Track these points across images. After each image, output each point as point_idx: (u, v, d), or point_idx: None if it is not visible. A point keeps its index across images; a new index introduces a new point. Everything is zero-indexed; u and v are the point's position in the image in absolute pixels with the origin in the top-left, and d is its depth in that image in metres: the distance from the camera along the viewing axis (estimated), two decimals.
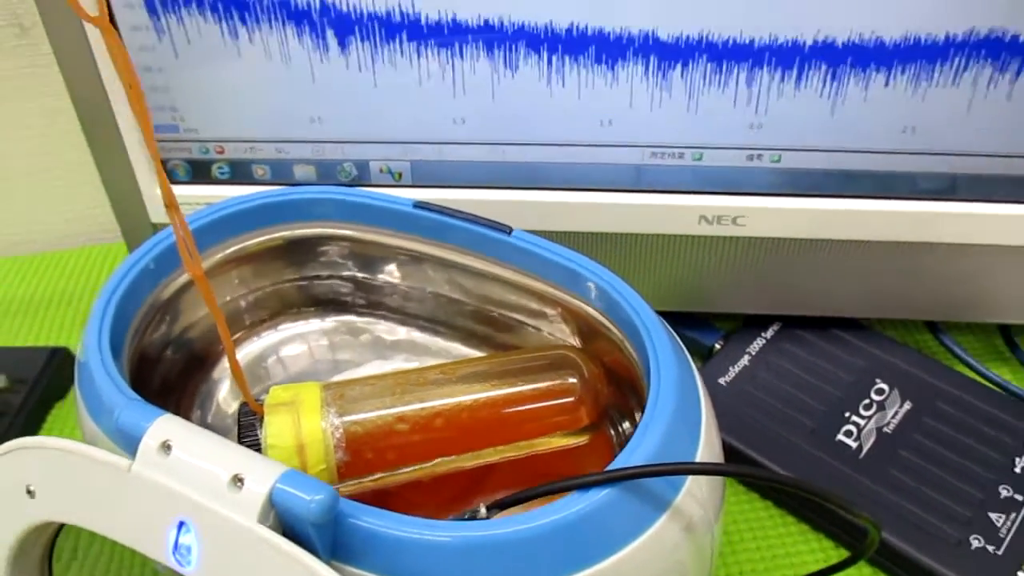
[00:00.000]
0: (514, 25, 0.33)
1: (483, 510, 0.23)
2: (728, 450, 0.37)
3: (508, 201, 0.38)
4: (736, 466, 0.26)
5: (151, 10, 0.34)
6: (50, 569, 0.27)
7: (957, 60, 0.33)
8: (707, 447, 0.25)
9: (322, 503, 0.21)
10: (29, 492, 0.24)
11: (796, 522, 0.36)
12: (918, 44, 0.33)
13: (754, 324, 0.42)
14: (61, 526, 0.26)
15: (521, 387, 0.29)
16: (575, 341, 0.31)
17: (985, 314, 0.41)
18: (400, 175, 0.38)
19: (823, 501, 0.24)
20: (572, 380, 0.30)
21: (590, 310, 0.29)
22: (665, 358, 0.26)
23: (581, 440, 0.29)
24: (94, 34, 0.35)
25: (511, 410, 0.29)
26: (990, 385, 0.39)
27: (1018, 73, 0.33)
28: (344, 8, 0.33)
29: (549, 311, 0.31)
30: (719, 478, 0.26)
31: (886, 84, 0.34)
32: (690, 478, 0.24)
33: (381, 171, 0.38)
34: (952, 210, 0.37)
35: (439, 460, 0.28)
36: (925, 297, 0.40)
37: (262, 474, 0.21)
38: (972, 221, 0.37)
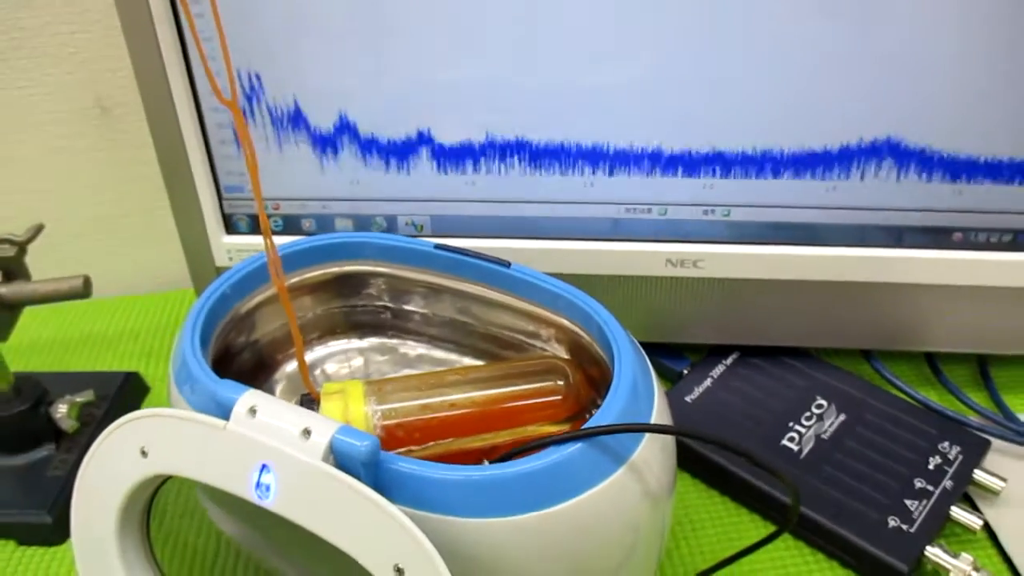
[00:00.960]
0: (519, 141, 0.43)
1: (486, 463, 0.31)
2: (692, 454, 0.44)
3: (510, 248, 0.46)
4: (670, 425, 0.32)
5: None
6: (148, 524, 0.35)
7: (858, 160, 0.42)
8: (656, 420, 0.33)
9: (370, 447, 0.28)
10: (143, 452, 0.32)
11: (748, 512, 0.43)
12: (823, 153, 0.42)
13: (716, 353, 0.50)
14: (160, 484, 0.34)
15: (519, 386, 0.37)
16: (563, 353, 0.39)
17: (912, 344, 0.49)
18: (422, 227, 0.47)
19: (746, 457, 0.31)
20: (559, 382, 0.37)
21: (570, 324, 0.37)
22: (625, 356, 0.33)
23: (564, 427, 0.37)
24: (183, 112, 0.44)
25: (511, 404, 0.37)
26: (912, 402, 0.47)
27: (894, 161, 0.42)
28: (381, 139, 0.43)
29: (542, 330, 0.40)
30: (668, 449, 0.34)
31: (799, 176, 0.43)
32: (642, 444, 0.32)
33: (406, 224, 0.47)
34: (876, 254, 0.45)
35: (453, 439, 0.36)
36: (860, 329, 0.48)
37: (325, 427, 0.29)
38: (893, 264, 0.45)
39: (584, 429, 0.30)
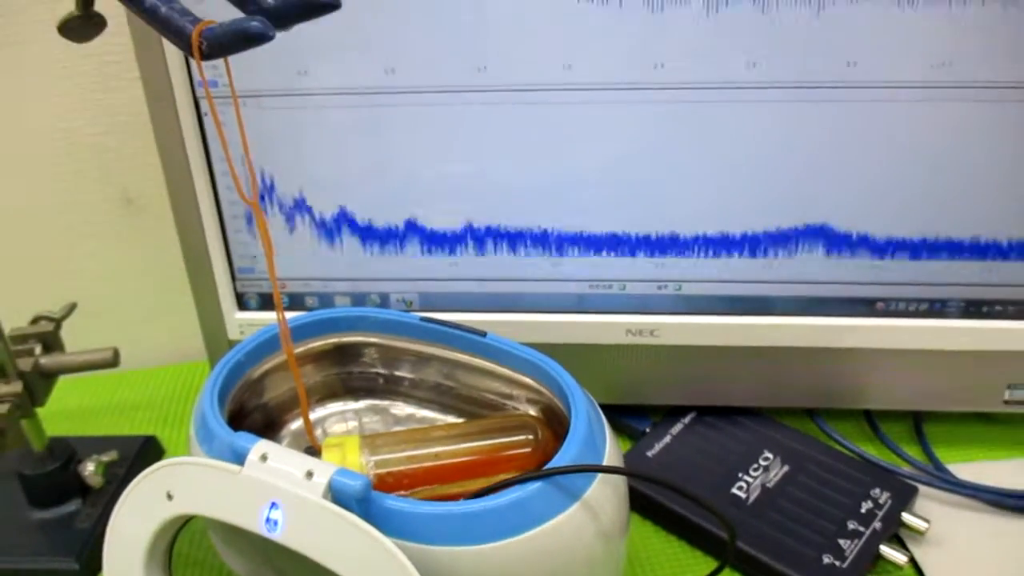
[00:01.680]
0: (495, 229, 0.50)
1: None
2: (651, 502, 0.50)
3: (489, 320, 0.52)
4: (613, 466, 0.37)
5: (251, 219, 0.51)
6: (170, 558, 0.40)
7: (792, 242, 0.49)
8: (606, 464, 0.39)
9: (362, 485, 0.34)
10: (169, 496, 0.38)
11: (703, 554, 0.48)
12: (762, 235, 0.49)
13: (675, 413, 0.56)
14: (182, 525, 0.39)
15: (493, 440, 0.43)
16: (533, 411, 0.45)
17: (851, 402, 0.55)
18: (411, 303, 0.54)
19: (681, 493, 0.37)
20: (529, 437, 0.43)
21: (537, 385, 0.43)
22: (580, 410, 0.39)
23: None
24: (204, 206, 0.51)
25: (486, 455, 0.43)
26: (850, 454, 0.52)
27: (822, 244, 0.49)
28: (376, 227, 0.50)
29: (515, 391, 0.45)
30: (620, 490, 0.39)
31: (741, 256, 0.50)
32: (594, 484, 0.37)
33: (398, 300, 0.53)
34: (812, 322, 0.51)
35: (436, 486, 0.41)
36: (803, 389, 0.54)
37: (325, 469, 0.35)
38: (827, 330, 0.51)
39: (542, 470, 0.36)
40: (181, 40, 0.30)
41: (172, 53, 0.46)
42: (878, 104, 0.45)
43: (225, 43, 0.29)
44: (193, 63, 0.47)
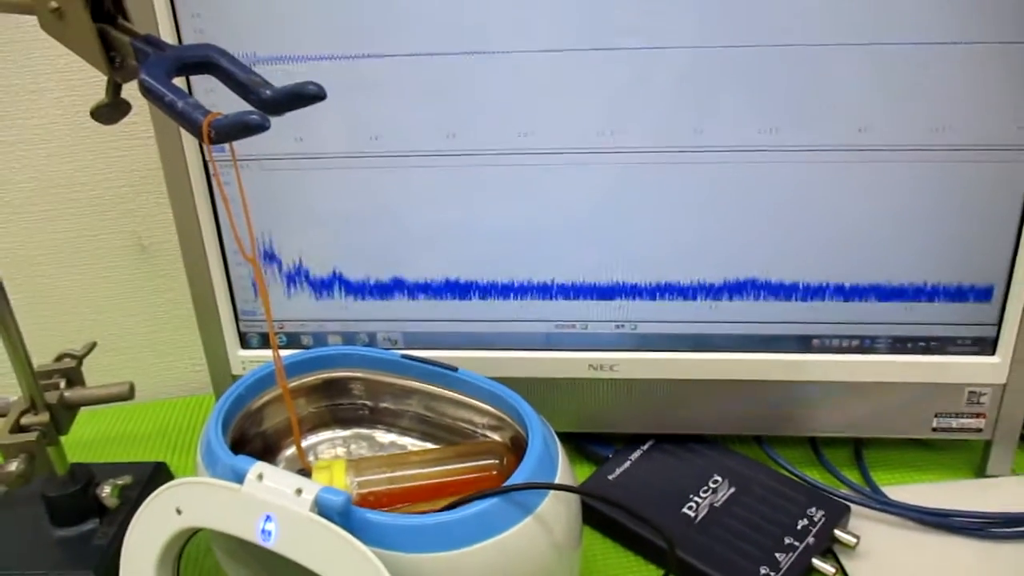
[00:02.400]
0: (470, 282, 0.56)
1: None
2: (607, 520, 0.55)
3: (465, 357, 0.58)
4: (561, 484, 0.43)
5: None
6: (178, 565, 0.46)
7: (733, 287, 0.55)
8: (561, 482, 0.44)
9: (344, 500, 0.40)
10: (178, 511, 0.43)
11: (656, 568, 0.54)
12: (708, 284, 0.55)
13: (636, 440, 0.61)
14: (190, 537, 0.45)
15: (463, 464, 0.49)
16: (499, 437, 0.51)
17: (794, 430, 0.60)
18: (396, 341, 0.60)
19: (630, 513, 0.42)
20: (494, 461, 0.49)
21: (501, 414, 0.49)
22: (536, 436, 0.45)
23: None
24: (212, 256, 0.57)
25: (456, 478, 0.48)
26: (792, 477, 0.58)
27: (762, 290, 0.55)
28: (365, 281, 0.56)
29: (483, 419, 0.51)
30: (572, 506, 0.45)
31: (690, 299, 0.56)
32: (546, 500, 0.43)
33: (384, 339, 0.60)
34: (755, 358, 0.57)
35: (412, 504, 0.47)
36: (751, 419, 0.60)
37: (312, 488, 0.41)
38: (768, 365, 0.57)
39: (499, 487, 0.42)
40: (194, 129, 0.36)
41: None
42: (800, 166, 0.52)
43: (230, 132, 0.35)
44: None
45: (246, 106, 0.38)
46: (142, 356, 0.77)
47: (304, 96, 0.38)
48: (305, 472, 0.47)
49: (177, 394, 0.76)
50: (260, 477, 0.42)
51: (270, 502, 0.41)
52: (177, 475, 0.64)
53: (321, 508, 0.40)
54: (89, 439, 0.69)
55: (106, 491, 0.57)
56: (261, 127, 0.35)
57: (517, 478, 0.43)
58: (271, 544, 0.41)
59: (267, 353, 0.60)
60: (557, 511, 0.43)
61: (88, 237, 0.73)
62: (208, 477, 0.45)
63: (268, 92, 0.38)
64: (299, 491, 0.41)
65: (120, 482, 0.58)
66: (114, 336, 0.76)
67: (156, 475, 0.62)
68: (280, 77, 0.51)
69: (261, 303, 0.59)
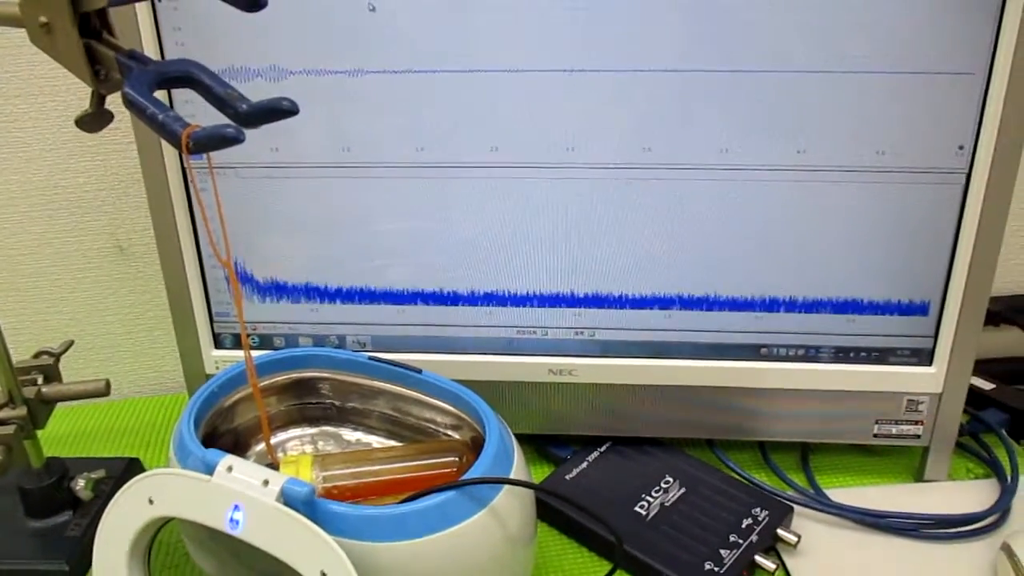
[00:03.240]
0: (435, 292, 0.59)
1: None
2: (565, 519, 0.58)
3: (431, 360, 0.61)
4: (509, 478, 0.46)
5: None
6: (149, 557, 0.48)
7: (684, 300, 0.58)
8: (516, 477, 0.47)
9: (308, 491, 0.42)
10: (150, 501, 0.46)
11: (607, 562, 0.57)
12: (661, 296, 0.58)
13: (593, 442, 0.64)
14: (161, 526, 0.47)
15: (424, 460, 0.51)
16: (459, 436, 0.54)
17: (745, 434, 0.63)
18: (365, 344, 0.62)
19: (581, 508, 0.45)
20: (455, 459, 0.51)
21: (462, 414, 0.52)
22: (493, 435, 0.48)
23: None
24: (188, 258, 0.59)
25: (417, 474, 0.51)
26: (740, 479, 0.61)
27: (714, 302, 0.58)
28: (334, 289, 0.59)
29: (445, 419, 0.54)
30: (526, 501, 0.48)
31: (647, 309, 0.59)
32: (501, 494, 0.45)
33: (353, 341, 0.62)
34: (707, 365, 0.60)
35: (375, 498, 0.50)
36: (703, 423, 0.63)
37: (278, 479, 0.43)
38: (720, 372, 0.60)
39: (455, 481, 0.44)
40: (174, 140, 0.38)
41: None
42: (749, 184, 0.55)
43: (207, 143, 0.38)
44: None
45: (223, 118, 0.40)
46: (119, 355, 0.79)
47: (278, 111, 0.40)
48: (274, 467, 0.49)
49: (151, 392, 0.78)
50: (230, 469, 0.44)
51: (238, 492, 0.43)
52: None
53: (287, 498, 0.43)
54: (65, 434, 0.71)
55: (80, 484, 0.59)
56: (236, 140, 0.37)
57: (474, 473, 0.45)
58: (238, 532, 0.43)
59: (239, 354, 0.62)
60: (511, 505, 0.46)
61: (67, 238, 0.75)
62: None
63: (244, 106, 0.41)
64: (266, 482, 0.43)
65: (94, 476, 0.60)
66: (92, 335, 0.78)
67: (129, 470, 0.64)
68: (258, 88, 0.54)
69: (235, 305, 0.61)
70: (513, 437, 0.50)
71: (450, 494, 0.44)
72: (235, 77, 0.54)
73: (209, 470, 0.44)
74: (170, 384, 0.79)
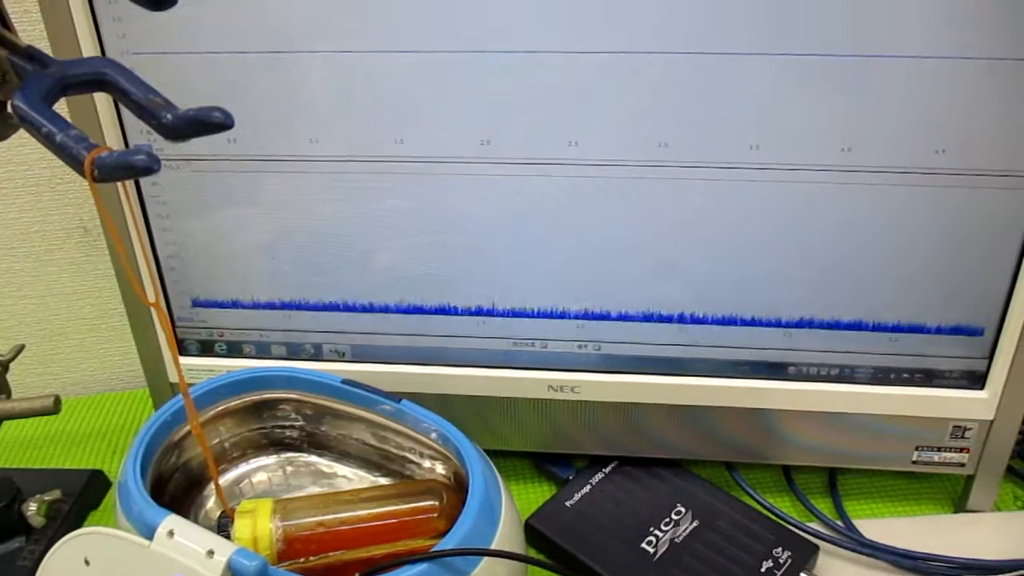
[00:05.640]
0: (417, 305, 0.52)
1: None
2: (561, 553, 0.52)
3: (418, 373, 0.55)
4: (491, 550, 0.40)
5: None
6: None
7: (696, 317, 0.51)
8: (502, 541, 0.41)
9: (257, 567, 0.36)
10: (86, 561, 0.40)
11: None
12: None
13: (598, 462, 0.58)
14: None
15: (399, 505, 0.45)
16: (444, 470, 0.47)
17: (766, 457, 0.57)
18: (344, 353, 0.56)
19: (568, 572, 0.39)
20: (435, 503, 0.45)
21: (445, 451, 0.45)
22: (477, 484, 0.41)
23: (435, 542, 0.45)
24: (142, 260, 0.52)
25: (392, 520, 0.45)
26: (761, 509, 0.55)
27: (734, 320, 0.51)
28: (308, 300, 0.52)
29: (426, 451, 0.48)
30: (514, 563, 0.42)
31: (658, 322, 0.52)
32: (484, 560, 0.39)
33: (331, 351, 0.56)
34: (727, 384, 0.53)
35: (343, 551, 0.44)
36: (720, 444, 0.56)
37: (224, 549, 0.37)
38: (741, 392, 0.53)
39: (429, 552, 0.38)
40: (75, 165, 0.31)
41: (103, 108, 0.48)
42: (784, 186, 0.47)
43: (114, 172, 0.31)
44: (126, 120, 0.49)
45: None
46: (88, 341, 0.74)
47: (208, 124, 0.33)
48: (226, 517, 0.44)
49: (125, 387, 0.73)
50: (171, 533, 0.38)
51: (180, 563, 0.38)
52: (115, 485, 0.61)
53: (234, 573, 0.37)
54: (19, 439, 0.65)
55: (32, 509, 0.53)
56: (149, 170, 0.30)
57: (454, 535, 0.39)
58: None
59: (206, 362, 0.56)
60: (495, 573, 0.40)
61: (28, 220, 0.68)
62: (124, 520, 0.42)
63: (168, 116, 0.34)
64: (211, 552, 0.37)
65: (48, 498, 0.54)
66: (60, 319, 0.72)
67: (91, 485, 0.59)
68: (210, 72, 0.46)
69: (198, 308, 0.55)
70: (501, 482, 0.44)
71: (422, 567, 0.38)
72: (187, 58, 0.46)
73: (150, 532, 0.39)
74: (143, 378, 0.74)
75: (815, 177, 0.47)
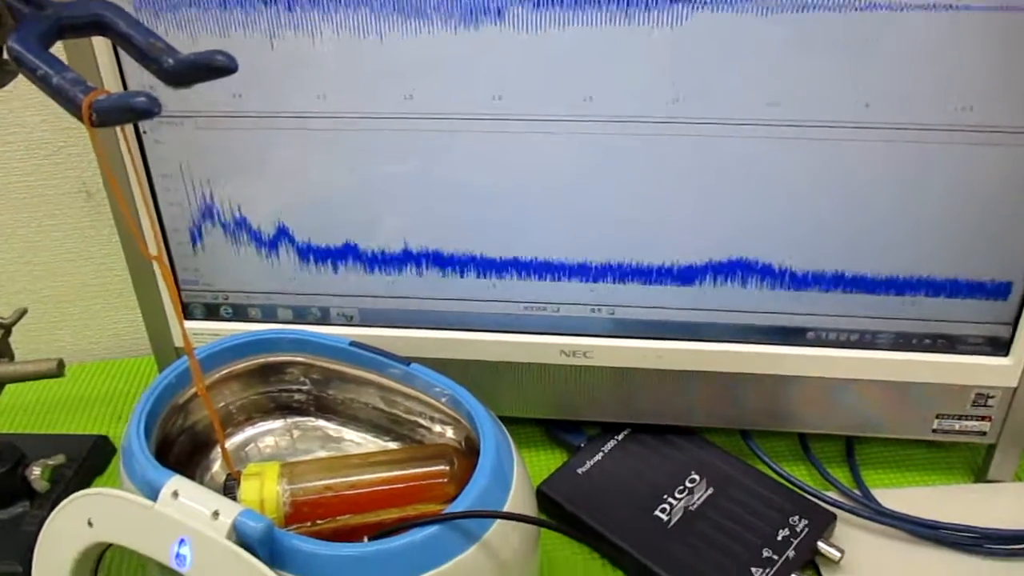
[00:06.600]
0: (432, 252, 0.50)
1: (366, 539, 0.38)
2: (573, 520, 0.51)
3: (427, 337, 0.53)
4: (504, 512, 0.38)
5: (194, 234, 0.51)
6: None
7: (719, 272, 0.49)
8: (514, 504, 0.40)
9: (263, 529, 0.35)
10: (89, 523, 0.39)
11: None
12: (689, 267, 0.49)
13: (610, 429, 0.57)
14: (105, 549, 0.41)
15: (409, 470, 0.44)
16: (454, 434, 0.46)
17: (782, 425, 0.55)
18: (352, 317, 0.54)
19: (578, 536, 0.38)
20: (445, 467, 0.44)
21: (456, 415, 0.44)
22: (488, 446, 0.40)
23: (448, 506, 0.44)
24: (146, 220, 0.51)
25: (401, 485, 0.44)
26: (776, 477, 0.53)
27: (752, 275, 0.49)
28: (315, 244, 0.51)
29: (437, 415, 0.47)
30: (526, 527, 0.41)
31: (674, 284, 0.50)
32: (495, 524, 0.38)
33: (338, 315, 0.54)
34: (743, 349, 0.52)
35: (351, 515, 0.43)
36: (735, 412, 0.55)
37: (230, 511, 0.36)
38: (757, 358, 0.52)
39: (439, 514, 0.37)
40: (73, 109, 0.30)
41: (102, 53, 0.46)
42: (802, 143, 0.45)
43: (113, 115, 0.29)
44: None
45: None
46: (93, 308, 0.73)
47: (212, 68, 0.32)
48: (232, 480, 0.43)
49: (128, 354, 0.72)
50: (175, 495, 0.37)
51: (184, 524, 0.37)
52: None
53: (240, 535, 0.36)
54: (25, 405, 0.64)
55: (35, 473, 0.53)
56: (149, 112, 0.29)
57: (465, 498, 0.38)
58: (186, 571, 0.37)
59: (212, 326, 0.55)
60: (507, 536, 0.39)
61: (30, 184, 0.67)
62: (127, 483, 0.41)
63: (170, 61, 0.32)
64: (216, 514, 0.36)
65: (52, 462, 0.54)
66: (64, 285, 0.71)
67: (96, 450, 0.58)
68: (214, 27, 0.45)
69: (203, 271, 0.54)
70: (513, 446, 0.43)
71: (433, 529, 0.37)
72: (197, 7, 0.45)
73: (154, 493, 0.38)
74: (144, 349, 0.73)
75: (834, 134, 0.45)
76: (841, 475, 0.55)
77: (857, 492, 0.54)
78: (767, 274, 0.50)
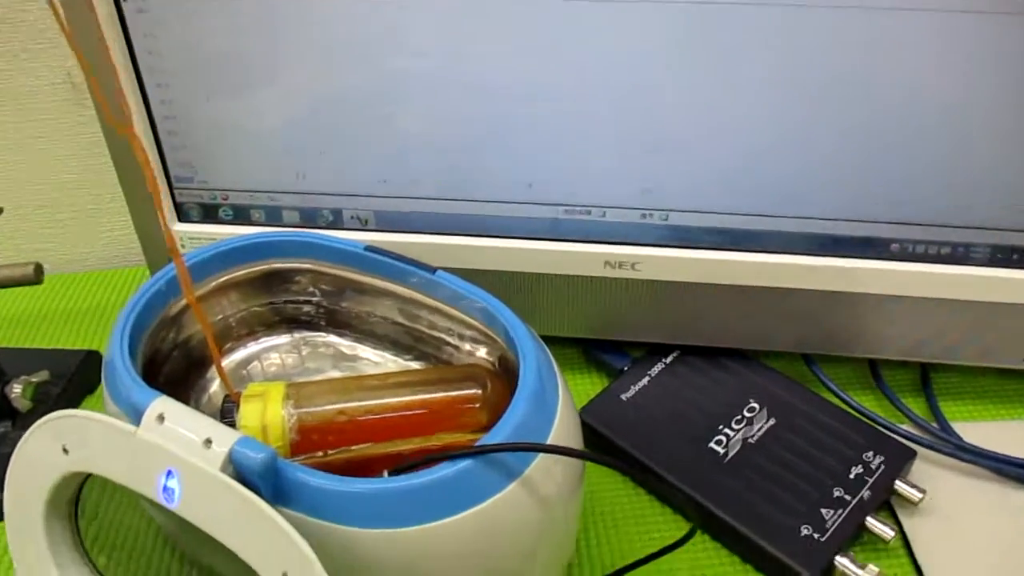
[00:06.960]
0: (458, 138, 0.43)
1: (385, 474, 0.32)
2: (618, 451, 0.45)
3: (452, 244, 0.47)
4: (547, 445, 0.33)
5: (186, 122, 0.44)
6: (75, 513, 0.37)
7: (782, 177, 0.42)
8: (558, 435, 0.34)
9: (264, 459, 0.30)
10: (64, 450, 0.34)
11: (672, 513, 0.44)
12: None
13: (657, 351, 0.51)
14: (86, 478, 0.35)
15: (436, 394, 0.38)
16: (486, 355, 0.40)
17: (850, 350, 0.49)
18: (367, 221, 0.48)
19: (637, 473, 0.32)
20: (477, 391, 0.38)
21: (488, 330, 0.38)
22: (529, 367, 0.34)
23: (479, 436, 0.38)
24: (133, 108, 0.45)
25: (426, 411, 0.38)
26: (846, 407, 0.47)
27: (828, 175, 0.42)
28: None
29: (467, 332, 0.40)
30: (572, 461, 0.35)
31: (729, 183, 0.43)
32: (537, 459, 0.33)
33: (351, 217, 0.48)
34: (814, 263, 0.45)
35: (367, 445, 0.37)
36: (798, 334, 0.49)
37: (225, 438, 0.30)
38: (830, 272, 0.45)
39: (473, 447, 0.31)
40: None
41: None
42: (901, 15, 0.38)
43: None
44: None
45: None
46: (84, 211, 0.66)
47: None
48: (231, 402, 0.37)
49: (123, 263, 0.66)
50: (161, 418, 0.32)
51: (171, 453, 0.31)
52: None
53: (237, 466, 0.30)
54: (11, 316, 0.59)
55: (16, 391, 0.47)
56: None
57: (503, 427, 0.32)
58: (174, 507, 0.31)
59: (209, 229, 0.49)
60: (550, 471, 0.33)
61: (12, 70, 0.60)
62: (111, 404, 0.35)
63: None
64: (208, 442, 0.31)
65: (34, 379, 0.48)
66: (38, 187, 0.65)
67: (86, 366, 0.52)
68: None
69: (199, 167, 0.47)
70: (557, 369, 0.37)
71: (466, 464, 0.31)
72: None
73: (139, 415, 0.32)
74: (140, 257, 0.67)
75: (948, 4, 0.37)
76: (916, 406, 0.49)
77: (935, 426, 0.48)
78: (845, 176, 0.43)
